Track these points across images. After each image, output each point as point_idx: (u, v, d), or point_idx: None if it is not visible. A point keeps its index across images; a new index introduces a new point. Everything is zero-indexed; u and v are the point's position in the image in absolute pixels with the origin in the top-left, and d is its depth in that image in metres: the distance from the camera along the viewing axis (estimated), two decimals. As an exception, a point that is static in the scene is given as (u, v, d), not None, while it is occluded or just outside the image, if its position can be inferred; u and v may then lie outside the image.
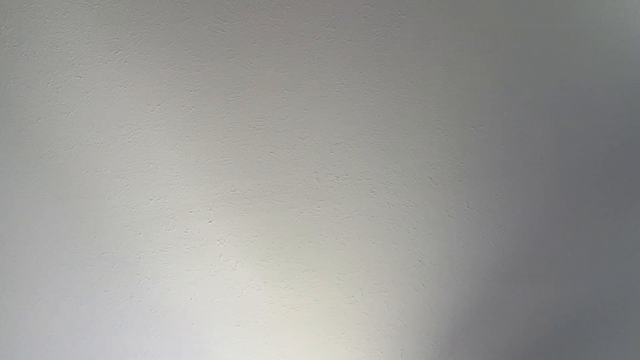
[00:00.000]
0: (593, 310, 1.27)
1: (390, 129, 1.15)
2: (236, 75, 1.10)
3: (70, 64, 1.07)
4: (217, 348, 1.26)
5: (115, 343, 1.26)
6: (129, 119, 1.11)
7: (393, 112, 1.14)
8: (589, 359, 1.29)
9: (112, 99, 1.10)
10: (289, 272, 1.22)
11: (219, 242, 1.20)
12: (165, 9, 1.05)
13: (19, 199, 1.15)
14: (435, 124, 1.15)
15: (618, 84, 1.14)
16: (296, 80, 1.11)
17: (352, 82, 1.12)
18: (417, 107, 1.14)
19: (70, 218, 1.16)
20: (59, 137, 1.11)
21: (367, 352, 1.25)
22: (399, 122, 1.15)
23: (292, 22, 1.08)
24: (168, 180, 1.15)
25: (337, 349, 1.24)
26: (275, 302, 1.23)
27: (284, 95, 1.12)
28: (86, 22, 1.04)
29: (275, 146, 1.15)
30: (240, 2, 1.06)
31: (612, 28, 1.11)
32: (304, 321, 1.23)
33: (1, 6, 1.02)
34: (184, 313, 1.24)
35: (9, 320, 1.22)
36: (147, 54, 1.07)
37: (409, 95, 1.13)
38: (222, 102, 1.12)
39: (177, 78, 1.09)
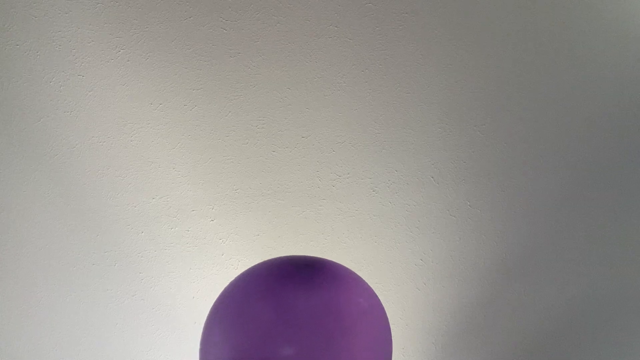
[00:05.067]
0: (594, 310, 1.26)
1: (393, 128, 1.15)
2: (238, 74, 1.10)
3: (72, 63, 1.07)
4: (219, 346, 1.26)
5: (117, 341, 1.26)
6: (131, 117, 1.11)
7: (395, 111, 1.14)
8: (589, 358, 1.29)
9: (114, 97, 1.10)
10: (291, 270, 1.22)
11: (221, 240, 1.20)
12: (168, 8, 1.05)
13: (20, 198, 1.15)
14: (438, 123, 1.15)
15: (622, 83, 1.14)
16: (298, 79, 1.11)
17: (355, 81, 1.11)
18: (419, 106, 1.13)
19: (71, 216, 1.17)
20: (60, 135, 1.11)
21: (368, 351, 1.25)
22: (402, 121, 1.14)
23: (295, 21, 1.07)
24: (170, 179, 1.16)
25: (339, 347, 1.24)
26: (277, 301, 1.23)
27: (286, 94, 1.12)
28: (88, 21, 1.04)
29: (277, 145, 1.15)
30: (242, 1, 1.06)
31: (615, 26, 1.11)
32: (305, 320, 1.23)
33: (3, 5, 1.02)
34: (186, 311, 1.24)
35: (10, 319, 1.23)
36: (149, 53, 1.07)
37: (411, 94, 1.13)
38: (224, 100, 1.11)
39: (179, 77, 1.09)
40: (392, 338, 1.25)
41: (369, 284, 1.23)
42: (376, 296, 0.79)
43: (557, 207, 1.20)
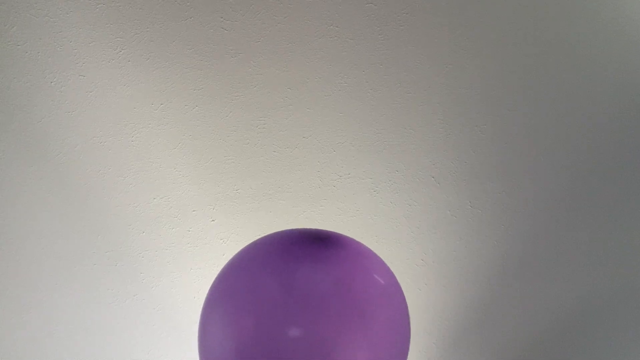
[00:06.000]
0: (594, 310, 1.26)
1: (394, 128, 1.15)
2: (239, 74, 1.10)
3: (74, 63, 1.07)
4: (220, 346, 1.26)
5: (118, 341, 1.26)
6: (132, 117, 1.11)
7: (396, 111, 1.14)
8: (589, 358, 1.29)
9: (115, 97, 1.10)
10: (292, 270, 1.22)
11: (222, 240, 1.20)
12: (169, 8, 1.05)
13: (22, 198, 1.15)
14: (439, 123, 1.15)
15: (622, 84, 1.14)
16: (299, 79, 1.11)
17: (355, 81, 1.11)
18: (420, 106, 1.13)
19: (73, 216, 1.17)
20: (62, 136, 1.11)
21: (369, 351, 1.25)
22: (402, 121, 1.14)
23: (296, 21, 1.07)
24: (171, 179, 1.16)
25: (340, 347, 1.24)
26: (278, 301, 1.23)
27: (287, 94, 1.12)
28: (89, 21, 1.04)
29: (278, 145, 1.15)
30: (243, 1, 1.06)
31: (616, 27, 1.11)
32: (306, 320, 1.23)
33: (4, 5, 1.02)
34: (187, 311, 1.25)
35: (12, 318, 1.23)
36: (151, 53, 1.07)
37: (412, 94, 1.13)
38: (225, 101, 1.11)
39: (180, 77, 1.09)
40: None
41: (370, 284, 1.23)
42: (393, 274, 0.70)
43: (558, 207, 1.20)
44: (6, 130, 1.10)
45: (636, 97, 1.15)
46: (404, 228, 1.21)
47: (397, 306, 0.66)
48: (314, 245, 0.64)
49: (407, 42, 1.10)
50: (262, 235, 1.20)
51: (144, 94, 1.10)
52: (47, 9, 1.03)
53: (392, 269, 1.23)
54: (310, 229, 0.71)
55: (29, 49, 1.05)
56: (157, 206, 1.17)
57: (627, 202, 1.20)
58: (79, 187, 1.15)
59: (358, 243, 0.72)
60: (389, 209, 1.20)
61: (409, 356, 1.28)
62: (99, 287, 1.22)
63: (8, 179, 1.13)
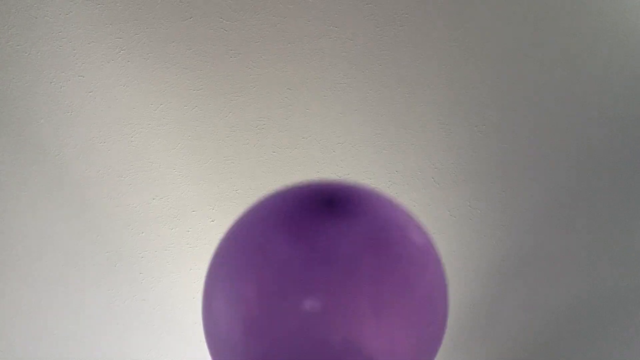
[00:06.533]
0: (594, 310, 1.26)
1: (393, 129, 1.15)
2: (238, 75, 1.10)
3: (73, 63, 1.07)
4: (219, 346, 1.26)
5: (117, 342, 1.26)
6: (132, 118, 1.11)
7: (396, 112, 1.14)
8: (589, 358, 1.29)
9: (114, 98, 1.10)
10: (292, 271, 1.22)
11: (221, 241, 1.20)
12: (168, 9, 1.05)
13: (21, 199, 1.15)
14: (438, 124, 1.14)
15: (623, 84, 1.14)
16: (299, 80, 1.11)
17: (355, 82, 1.11)
18: (420, 107, 1.13)
19: (72, 217, 1.17)
20: (61, 136, 1.11)
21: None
22: (402, 121, 1.14)
23: (295, 22, 1.07)
24: (170, 180, 1.16)
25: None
26: (278, 301, 1.23)
27: (287, 94, 1.12)
28: (89, 22, 1.04)
29: (277, 145, 1.15)
30: (243, 2, 1.06)
31: (617, 27, 1.11)
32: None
33: (4, 5, 1.02)
34: (187, 311, 1.25)
35: (12, 318, 1.23)
36: (150, 54, 1.07)
37: (411, 94, 1.13)
38: (225, 101, 1.11)
39: (180, 77, 1.09)
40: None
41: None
42: (429, 235, 0.58)
43: (558, 207, 1.20)
44: (5, 131, 1.10)
45: (636, 97, 1.15)
46: (403, 228, 1.20)
47: (435, 271, 0.53)
48: (336, 198, 0.52)
49: (407, 42, 1.10)
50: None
51: (144, 94, 1.10)
52: (47, 10, 1.03)
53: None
54: (334, 181, 0.57)
55: (28, 49, 1.05)
56: (156, 206, 1.17)
57: (627, 202, 1.20)
58: (79, 188, 1.15)
59: (390, 198, 0.58)
60: (389, 209, 1.19)
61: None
62: (99, 288, 1.22)
63: (7, 179, 1.14)
